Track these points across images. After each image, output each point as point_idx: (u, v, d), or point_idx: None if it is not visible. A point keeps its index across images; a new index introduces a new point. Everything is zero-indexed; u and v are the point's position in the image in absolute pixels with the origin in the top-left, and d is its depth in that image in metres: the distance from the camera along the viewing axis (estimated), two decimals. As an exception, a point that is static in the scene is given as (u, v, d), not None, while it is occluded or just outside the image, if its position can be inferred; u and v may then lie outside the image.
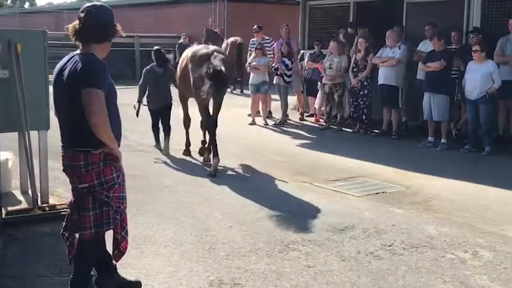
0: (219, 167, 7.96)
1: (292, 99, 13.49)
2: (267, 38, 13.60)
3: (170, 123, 9.36)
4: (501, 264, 4.85)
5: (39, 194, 5.94)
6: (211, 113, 8.27)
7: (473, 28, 10.37)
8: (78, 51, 3.84)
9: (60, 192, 6.43)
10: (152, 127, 9.49)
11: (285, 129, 11.83)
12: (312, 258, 4.92)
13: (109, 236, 4.00)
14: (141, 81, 9.35)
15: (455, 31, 10.30)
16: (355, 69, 11.13)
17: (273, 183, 7.43)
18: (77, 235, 3.93)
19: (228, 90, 18.29)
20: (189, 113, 9.22)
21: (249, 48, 13.52)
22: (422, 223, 5.88)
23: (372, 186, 7.35)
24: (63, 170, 3.95)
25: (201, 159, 8.69)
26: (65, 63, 3.80)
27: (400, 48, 10.56)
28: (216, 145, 7.98)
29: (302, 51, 12.99)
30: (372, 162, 8.61)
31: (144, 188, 6.97)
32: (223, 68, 7.55)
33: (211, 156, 8.17)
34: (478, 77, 9.08)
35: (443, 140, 9.74)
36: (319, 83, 12.09)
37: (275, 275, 4.55)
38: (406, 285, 4.40)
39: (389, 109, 10.80)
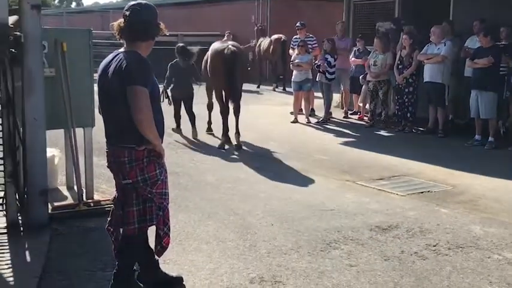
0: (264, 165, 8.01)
1: (336, 97, 13.44)
2: (310, 35, 13.56)
3: (194, 112, 10.44)
4: (550, 266, 4.74)
5: (84, 190, 6.07)
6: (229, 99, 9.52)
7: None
8: (122, 49, 3.90)
9: (105, 189, 6.55)
10: (174, 114, 10.48)
11: (328, 127, 11.78)
12: (354, 257, 4.90)
13: (152, 231, 4.07)
14: (167, 73, 10.28)
15: (504, 26, 10.07)
16: (400, 66, 11.01)
17: (315, 182, 7.41)
18: (121, 230, 4.02)
19: (270, 87, 18.54)
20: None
21: (291, 46, 13.52)
22: (468, 223, 5.79)
23: (417, 185, 7.27)
24: (108, 166, 4.03)
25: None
26: (110, 61, 3.85)
27: (445, 45, 10.39)
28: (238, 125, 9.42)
29: (354, 49, 12.87)
30: (417, 160, 8.52)
31: (186, 185, 7.05)
32: (234, 49, 9.17)
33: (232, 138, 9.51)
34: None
35: (490, 139, 9.55)
36: (361, 80, 12.00)
37: (316, 274, 4.55)
38: (451, 286, 4.35)
39: (435, 107, 10.66)
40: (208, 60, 9.63)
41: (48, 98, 5.38)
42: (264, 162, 8.34)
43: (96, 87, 4.05)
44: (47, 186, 5.53)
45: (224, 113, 9.61)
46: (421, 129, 10.96)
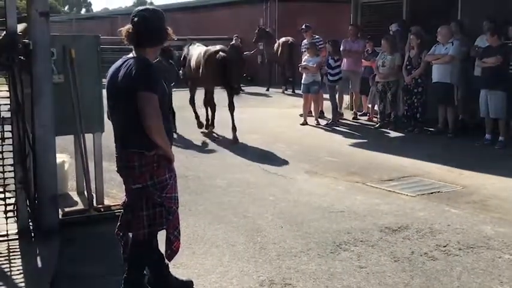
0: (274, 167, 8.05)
1: (346, 98, 13.45)
2: (316, 36, 13.56)
3: (174, 108, 10.70)
4: (562, 265, 4.72)
5: (94, 195, 6.10)
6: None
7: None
8: (131, 55, 3.92)
9: (115, 193, 6.58)
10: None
11: (337, 128, 11.78)
12: (364, 258, 4.90)
13: (162, 235, 4.08)
14: None
15: (512, 25, 10.06)
16: (408, 67, 11.00)
17: (324, 184, 7.41)
18: (130, 235, 4.04)
19: (280, 90, 18.53)
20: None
21: (302, 50, 13.53)
22: (478, 223, 5.77)
23: (427, 186, 7.25)
24: (118, 171, 4.05)
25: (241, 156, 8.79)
26: (119, 67, 3.87)
27: (453, 45, 10.35)
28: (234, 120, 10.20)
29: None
30: (427, 161, 8.49)
31: (196, 189, 7.06)
32: (223, 54, 10.20)
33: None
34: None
35: (501, 138, 9.54)
36: (370, 80, 11.99)
37: (326, 276, 4.55)
38: (461, 287, 4.34)
39: (445, 107, 10.63)
40: (202, 63, 10.46)
41: (57, 104, 5.40)
42: (273, 164, 8.35)
43: (105, 93, 4.07)
44: (57, 192, 5.55)
45: (208, 105, 11.13)
46: (430, 129, 10.93)
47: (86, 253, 5.07)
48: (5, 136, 5.18)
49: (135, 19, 3.85)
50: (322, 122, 12.32)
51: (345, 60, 12.58)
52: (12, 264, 4.73)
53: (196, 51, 11.06)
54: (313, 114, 12.35)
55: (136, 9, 3.97)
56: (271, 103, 16.19)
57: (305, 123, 12.13)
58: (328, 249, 5.10)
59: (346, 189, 7.12)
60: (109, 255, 4.89)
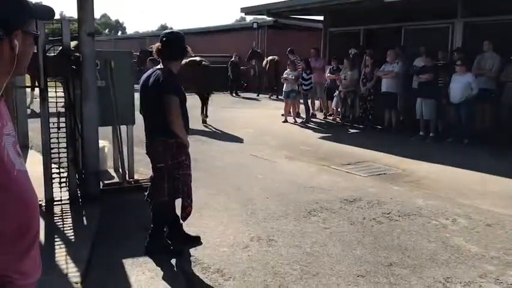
0: (261, 153, 8.01)
1: (317, 103, 13.46)
2: (297, 57, 13.56)
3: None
4: (474, 228, 4.76)
5: (127, 172, 6.09)
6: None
7: (456, 48, 10.12)
8: (159, 66, 3.93)
9: (142, 171, 6.54)
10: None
11: (310, 125, 11.77)
12: (328, 222, 4.93)
13: (178, 202, 4.09)
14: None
15: (441, 50, 10.09)
16: (364, 80, 11.01)
17: (300, 166, 7.43)
18: (155, 200, 4.04)
19: (267, 96, 18.48)
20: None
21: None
22: (413, 197, 5.81)
23: (376, 169, 7.28)
24: (146, 153, 4.05)
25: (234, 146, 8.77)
26: (149, 75, 3.88)
27: (398, 64, 10.39)
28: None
29: (329, 67, 12.78)
30: (376, 150, 8.51)
31: (203, 168, 7.04)
32: (206, 63, 10.82)
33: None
34: (459, 85, 8.89)
35: (431, 134, 9.57)
36: (336, 91, 12.01)
37: (300, 234, 4.58)
38: (400, 244, 4.38)
39: (390, 110, 10.65)
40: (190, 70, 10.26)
41: (100, 102, 5.39)
42: (261, 151, 8.35)
43: (137, 95, 4.06)
44: (99, 169, 5.56)
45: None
46: (378, 127, 10.96)
47: (120, 214, 5.08)
48: (61, 126, 5.17)
49: (164, 39, 3.85)
50: (299, 120, 12.32)
51: (313, 74, 12.57)
52: (64, 222, 4.73)
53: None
54: (292, 114, 12.33)
55: (164, 31, 4.02)
56: (261, 106, 16.15)
57: (285, 121, 12.09)
58: (301, 215, 5.13)
59: (316, 171, 7.15)
60: (138, 216, 4.90)
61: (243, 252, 4.15)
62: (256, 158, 7.94)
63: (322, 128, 11.40)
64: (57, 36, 5.16)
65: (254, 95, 18.83)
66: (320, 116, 13.07)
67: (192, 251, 4.16)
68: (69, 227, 4.61)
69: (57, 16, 4.84)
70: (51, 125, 5.11)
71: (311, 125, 11.85)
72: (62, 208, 5.09)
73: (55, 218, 4.83)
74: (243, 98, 18.36)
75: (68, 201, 5.20)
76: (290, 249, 4.21)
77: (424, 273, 3.78)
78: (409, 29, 11.54)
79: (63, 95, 5.10)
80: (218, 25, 25.51)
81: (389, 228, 4.77)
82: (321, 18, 14.49)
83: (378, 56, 11.02)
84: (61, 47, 5.07)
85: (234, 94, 19.28)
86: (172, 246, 4.16)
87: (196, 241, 4.32)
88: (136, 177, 6.18)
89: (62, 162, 5.29)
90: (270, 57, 18.29)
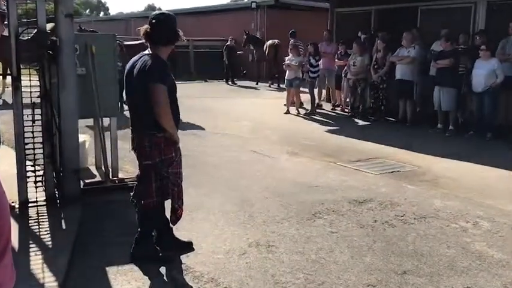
0: (261, 148, 8.02)
1: (323, 92, 13.47)
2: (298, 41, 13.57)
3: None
4: (497, 232, 4.79)
5: (110, 170, 6.09)
6: None
7: (479, 30, 10.12)
8: (146, 52, 3.92)
9: (127, 168, 6.57)
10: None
11: (315, 117, 11.78)
12: (335, 225, 4.94)
13: (168, 204, 4.10)
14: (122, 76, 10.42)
15: (462, 33, 10.09)
16: (375, 66, 11.01)
17: (303, 163, 7.44)
18: (142, 202, 4.05)
19: (267, 84, 18.48)
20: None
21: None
22: (430, 197, 5.83)
23: (388, 166, 7.29)
24: (132, 149, 4.06)
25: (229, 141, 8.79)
26: (136, 61, 3.88)
27: (414, 48, 10.40)
28: None
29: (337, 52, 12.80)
30: (389, 145, 8.53)
31: (194, 165, 7.04)
32: None
33: None
34: (483, 72, 8.92)
35: (450, 127, 9.61)
36: (343, 78, 12.01)
37: (303, 239, 4.59)
38: (415, 250, 4.39)
39: (405, 100, 10.67)
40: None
41: (80, 92, 5.38)
42: (260, 146, 8.36)
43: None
44: (79, 166, 5.55)
45: None
46: (391, 119, 10.97)
47: (103, 217, 5.08)
48: (36, 118, 5.17)
49: (153, 21, 3.84)
50: (302, 111, 12.33)
51: (321, 60, 12.58)
52: (40, 226, 4.73)
53: None
54: (295, 105, 12.35)
55: (154, 12, 4.01)
56: (260, 95, 16.16)
57: (288, 113, 12.12)
58: (305, 217, 5.13)
59: (321, 168, 7.15)
60: (122, 218, 4.91)
61: (240, 259, 4.16)
62: (255, 153, 7.95)
63: (328, 121, 11.41)
64: (32, 17, 5.15)
65: (253, 83, 18.82)
66: (326, 106, 13.08)
67: (183, 258, 4.16)
68: (45, 231, 4.61)
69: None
70: (25, 118, 5.10)
71: (316, 116, 11.86)
72: (37, 210, 5.09)
73: (30, 221, 4.83)
74: (240, 86, 18.36)
75: (44, 203, 5.20)
76: (292, 256, 4.22)
77: (442, 283, 3.80)
78: (425, 9, 11.55)
79: (38, 84, 5.09)
80: (212, 5, 25.48)
81: (403, 232, 4.78)
82: (328, -3, 14.48)
83: (391, 40, 11.02)
84: (36, 30, 5.06)
85: (229, 82, 19.26)
86: (161, 253, 4.16)
87: (188, 247, 4.32)
88: (120, 175, 6.18)
89: (38, 159, 5.28)
90: (270, 41, 18.27)
